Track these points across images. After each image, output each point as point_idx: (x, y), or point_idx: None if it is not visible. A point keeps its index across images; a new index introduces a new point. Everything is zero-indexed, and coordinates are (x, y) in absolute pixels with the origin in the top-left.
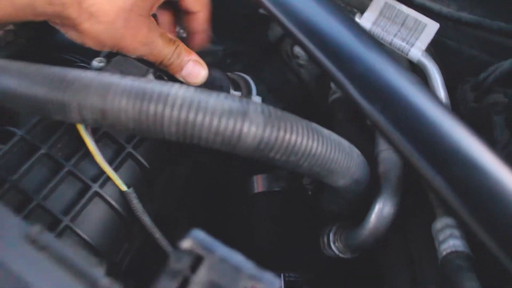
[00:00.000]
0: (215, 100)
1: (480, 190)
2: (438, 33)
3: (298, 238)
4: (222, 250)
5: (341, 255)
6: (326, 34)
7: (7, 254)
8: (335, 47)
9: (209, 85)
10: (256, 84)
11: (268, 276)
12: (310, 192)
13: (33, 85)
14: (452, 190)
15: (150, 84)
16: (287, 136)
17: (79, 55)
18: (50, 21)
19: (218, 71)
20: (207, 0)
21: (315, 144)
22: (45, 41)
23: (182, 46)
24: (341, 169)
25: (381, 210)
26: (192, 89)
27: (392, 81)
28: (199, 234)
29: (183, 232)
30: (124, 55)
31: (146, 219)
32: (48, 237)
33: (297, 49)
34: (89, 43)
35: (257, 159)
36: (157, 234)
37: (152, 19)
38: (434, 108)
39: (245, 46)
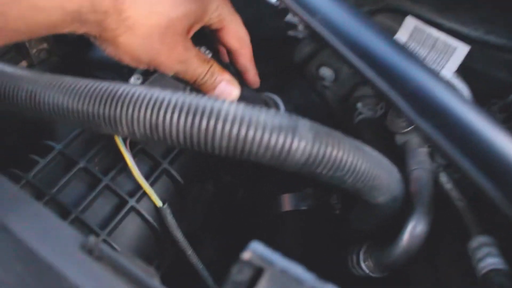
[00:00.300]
0: (266, 116)
1: None
2: (465, 56)
3: (324, 257)
4: (282, 262)
5: (371, 274)
6: (379, 55)
7: (65, 264)
8: (387, 66)
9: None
10: (283, 104)
11: (330, 287)
12: (337, 211)
13: (84, 100)
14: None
15: (202, 100)
16: (334, 152)
17: (113, 73)
18: (89, 34)
19: (251, 90)
20: (247, 38)
21: (360, 161)
22: (78, 59)
23: (215, 65)
24: (382, 185)
25: (414, 228)
26: (242, 105)
27: (445, 98)
28: (258, 246)
29: (208, 251)
30: (162, 75)
31: (179, 236)
32: (104, 247)
33: (323, 71)
34: (126, 58)
35: (303, 175)
36: (189, 251)
37: (189, 39)
38: (488, 124)
39: (272, 67)
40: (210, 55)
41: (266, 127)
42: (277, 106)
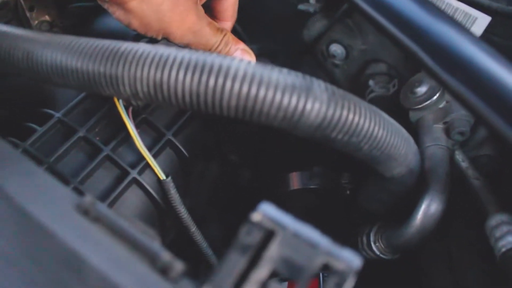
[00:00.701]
0: (278, 75)
1: None
2: (485, 29)
3: (333, 238)
4: (295, 224)
5: (381, 256)
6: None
7: (59, 225)
8: (409, 20)
9: None
10: None
11: (347, 253)
12: (348, 192)
13: (83, 58)
14: None
15: (210, 57)
16: (351, 116)
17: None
18: None
19: (267, 60)
20: None
21: (377, 127)
22: (80, 32)
23: (229, 35)
24: (399, 155)
25: (428, 207)
26: (253, 63)
27: (472, 51)
28: (269, 207)
29: (212, 229)
30: (166, 41)
31: (183, 211)
32: (101, 208)
33: (333, 48)
34: (135, 24)
35: (316, 140)
36: (193, 228)
37: (201, 7)
38: None
39: (281, 45)
40: None
41: (278, 86)
42: None
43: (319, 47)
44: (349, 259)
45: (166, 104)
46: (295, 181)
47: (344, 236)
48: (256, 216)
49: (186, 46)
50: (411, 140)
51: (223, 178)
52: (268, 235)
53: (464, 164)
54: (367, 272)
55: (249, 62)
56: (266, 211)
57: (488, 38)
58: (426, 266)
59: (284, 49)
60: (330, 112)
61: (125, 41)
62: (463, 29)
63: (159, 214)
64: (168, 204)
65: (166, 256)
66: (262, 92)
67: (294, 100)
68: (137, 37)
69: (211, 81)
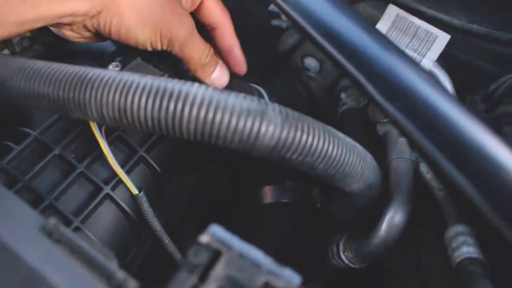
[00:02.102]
0: (234, 100)
1: (501, 183)
2: (448, 45)
3: (305, 250)
4: (241, 245)
5: (350, 264)
6: (345, 35)
7: (23, 246)
8: (353, 47)
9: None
10: (268, 96)
11: (288, 272)
12: (318, 205)
13: (54, 84)
14: (474, 186)
15: (171, 83)
16: (304, 137)
17: (95, 62)
18: (90, 12)
19: (235, 79)
20: (226, 11)
21: (331, 146)
22: (61, 48)
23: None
24: (355, 172)
25: (392, 218)
26: (211, 88)
27: (411, 80)
28: (217, 229)
29: (189, 241)
30: (141, 62)
31: (156, 224)
32: (64, 230)
33: (308, 61)
34: (134, 32)
35: (272, 160)
36: (166, 240)
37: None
38: (452, 105)
39: (256, 58)
40: None
41: (234, 111)
42: (261, 96)
43: (294, 60)
44: (289, 277)
45: (131, 128)
46: (267, 195)
47: (316, 246)
48: (204, 238)
49: (179, 54)
50: (368, 156)
51: (200, 189)
52: (215, 255)
53: (428, 176)
54: (339, 281)
55: (207, 88)
56: (214, 233)
57: (451, 55)
58: (396, 272)
59: (258, 62)
60: (284, 134)
61: (99, 60)
62: (405, 58)
63: (133, 228)
64: (142, 218)
65: (121, 275)
66: (218, 117)
67: (249, 124)
68: (114, 54)
69: (171, 107)
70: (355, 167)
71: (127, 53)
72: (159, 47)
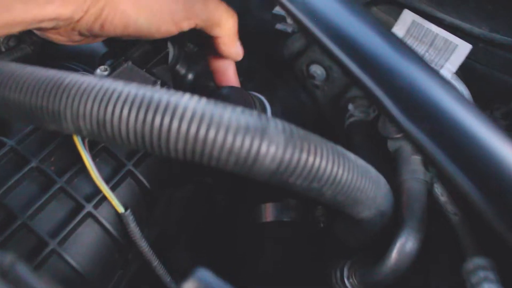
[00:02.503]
0: (230, 114)
1: None
2: (467, 55)
3: (306, 272)
4: None
5: None
6: (360, 41)
7: None
8: (372, 57)
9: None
10: (270, 105)
11: None
12: (322, 225)
13: (26, 90)
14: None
15: (157, 93)
16: (311, 159)
17: (83, 64)
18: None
19: (234, 87)
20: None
21: (340, 170)
22: (48, 48)
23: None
24: (367, 199)
25: (403, 246)
26: (204, 100)
27: (443, 99)
28: (204, 274)
29: (182, 259)
30: (131, 66)
31: (143, 245)
32: (22, 270)
33: (313, 69)
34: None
35: (273, 185)
36: (155, 262)
37: None
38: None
39: (259, 64)
40: (196, 49)
41: (230, 127)
42: (263, 107)
43: (299, 67)
44: None
45: (111, 143)
46: (268, 213)
47: (318, 268)
48: (189, 285)
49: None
50: (381, 181)
51: (196, 202)
52: None
53: (442, 198)
54: None
55: (200, 99)
56: (201, 279)
57: (470, 67)
58: None
59: (262, 67)
60: (287, 156)
61: (89, 63)
62: (432, 72)
63: (118, 248)
64: (128, 238)
65: None
66: (211, 134)
67: (247, 143)
68: (105, 56)
69: (157, 120)
70: (367, 193)
71: (118, 56)
72: (175, 32)
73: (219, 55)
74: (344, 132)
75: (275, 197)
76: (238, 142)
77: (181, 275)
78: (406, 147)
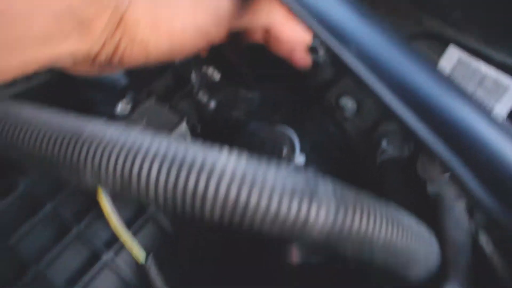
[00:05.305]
0: (275, 175)
1: None
2: None
3: None
4: None
5: None
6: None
7: None
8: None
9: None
10: (298, 139)
11: None
12: (352, 267)
13: (43, 141)
14: None
15: (192, 149)
16: (364, 226)
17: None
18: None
19: (262, 123)
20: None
21: (394, 235)
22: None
23: None
24: (418, 263)
25: None
26: (245, 158)
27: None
28: None
29: None
30: (154, 103)
31: None
32: None
33: (344, 101)
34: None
35: (321, 252)
36: None
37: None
38: None
39: (286, 94)
40: (218, 76)
41: (274, 190)
42: (291, 143)
43: (328, 98)
44: None
45: (137, 202)
46: (295, 254)
47: None
48: None
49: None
50: (432, 239)
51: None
52: None
53: (489, 248)
54: None
55: (239, 157)
56: None
57: None
58: None
59: (288, 98)
60: (339, 223)
61: (110, 93)
62: (483, 111)
63: None
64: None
65: None
66: (254, 198)
67: (294, 208)
68: (125, 89)
69: (191, 181)
70: (419, 258)
71: (139, 88)
72: (204, 46)
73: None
74: (376, 169)
75: None
76: (284, 207)
77: None
78: (449, 192)
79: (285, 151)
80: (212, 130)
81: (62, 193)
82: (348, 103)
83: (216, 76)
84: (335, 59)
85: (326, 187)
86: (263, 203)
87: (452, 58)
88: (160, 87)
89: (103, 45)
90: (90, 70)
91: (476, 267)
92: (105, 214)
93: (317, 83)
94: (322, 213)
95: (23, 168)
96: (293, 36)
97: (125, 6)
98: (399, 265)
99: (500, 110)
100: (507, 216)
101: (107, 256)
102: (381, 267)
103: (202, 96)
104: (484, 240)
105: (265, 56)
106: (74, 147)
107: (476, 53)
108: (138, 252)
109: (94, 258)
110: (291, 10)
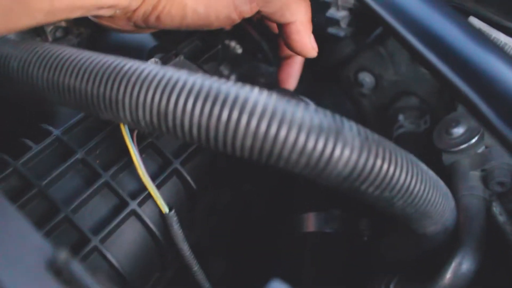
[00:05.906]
0: (304, 112)
1: None
2: None
3: (347, 286)
4: None
5: None
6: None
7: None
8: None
9: None
10: None
11: None
12: (366, 238)
13: (82, 76)
14: None
15: (225, 85)
16: (385, 166)
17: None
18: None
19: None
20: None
21: (414, 180)
22: (95, 41)
23: None
24: (436, 213)
25: (459, 266)
26: (275, 96)
27: None
28: (279, 286)
29: (218, 267)
30: (184, 60)
31: (185, 248)
32: (77, 269)
33: (362, 76)
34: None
35: (342, 191)
36: (195, 267)
37: None
38: None
39: (304, 69)
40: (240, 50)
41: (302, 126)
42: None
43: (346, 74)
44: None
45: (171, 136)
46: (310, 223)
47: (360, 282)
48: None
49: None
50: (449, 195)
51: (234, 209)
52: None
53: (502, 218)
54: None
55: (270, 94)
56: None
57: None
58: None
59: (306, 73)
60: (362, 161)
61: (137, 56)
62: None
63: (160, 250)
64: (169, 239)
65: None
66: (283, 132)
67: (320, 145)
68: (154, 50)
69: (224, 114)
70: (437, 207)
71: (167, 50)
72: (236, 19)
73: (288, 52)
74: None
75: (317, 206)
76: (310, 143)
77: (217, 282)
78: (464, 162)
79: None
80: None
81: (91, 142)
82: (367, 78)
83: (238, 50)
84: (355, 33)
85: (351, 128)
86: (291, 137)
87: None
88: (187, 49)
89: (143, 1)
90: (125, 26)
91: (489, 236)
92: (134, 163)
93: (335, 59)
94: (346, 152)
95: (54, 118)
96: (306, 42)
97: None
98: (417, 213)
99: None
100: None
101: (133, 205)
102: (399, 214)
103: (224, 69)
104: (497, 208)
105: None
106: (113, 83)
107: (495, 25)
108: (162, 204)
109: (121, 206)
110: None
